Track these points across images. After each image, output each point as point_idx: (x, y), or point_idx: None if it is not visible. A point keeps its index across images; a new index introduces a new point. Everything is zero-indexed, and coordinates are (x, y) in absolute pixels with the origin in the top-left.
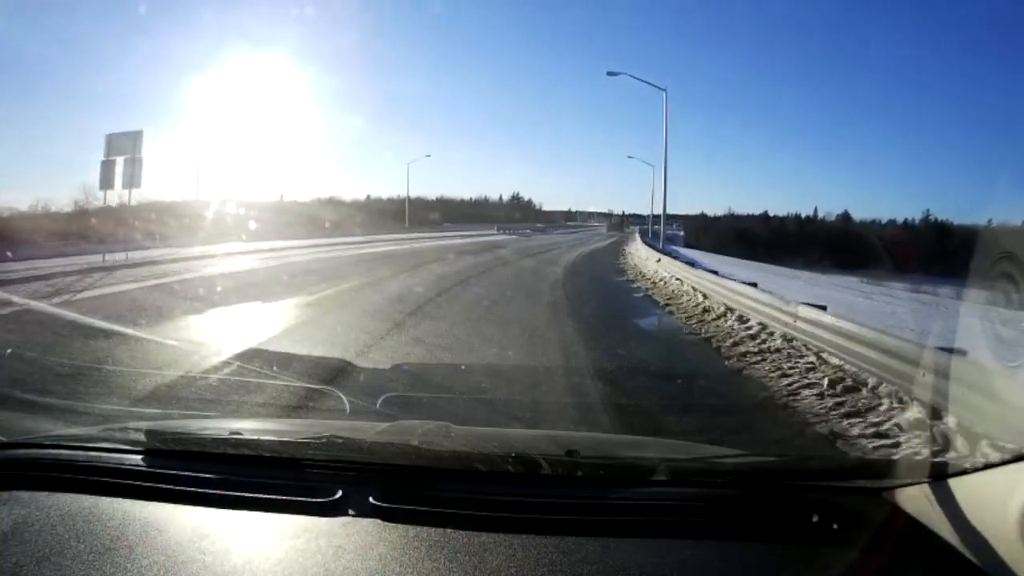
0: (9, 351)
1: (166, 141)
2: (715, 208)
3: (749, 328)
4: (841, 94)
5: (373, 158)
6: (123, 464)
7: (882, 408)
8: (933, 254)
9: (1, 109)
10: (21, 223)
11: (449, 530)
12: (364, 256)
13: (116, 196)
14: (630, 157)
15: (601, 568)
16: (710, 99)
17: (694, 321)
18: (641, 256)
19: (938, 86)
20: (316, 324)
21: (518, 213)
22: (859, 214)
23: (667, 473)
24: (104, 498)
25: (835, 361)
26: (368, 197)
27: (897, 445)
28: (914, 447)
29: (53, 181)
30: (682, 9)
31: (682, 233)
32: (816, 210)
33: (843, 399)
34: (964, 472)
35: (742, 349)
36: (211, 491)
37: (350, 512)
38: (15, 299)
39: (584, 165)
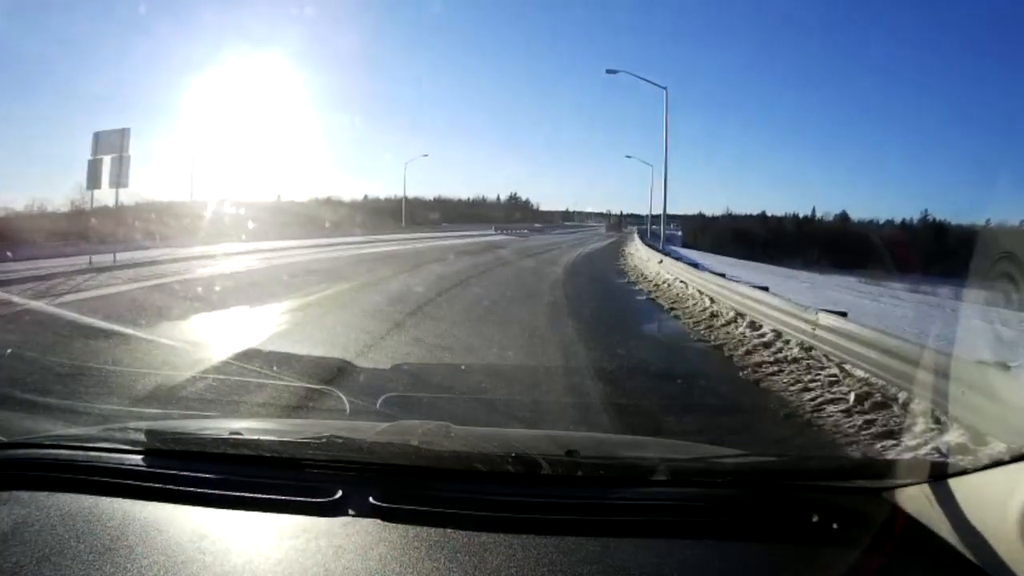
0: (9, 351)
1: (165, 141)
2: (713, 208)
3: (762, 335)
4: (839, 94)
5: (371, 158)
6: (123, 464)
7: (917, 429)
8: (931, 254)
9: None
10: (17, 223)
11: (449, 530)
12: (363, 257)
13: (112, 196)
14: (628, 157)
15: (601, 568)
16: (708, 99)
17: (702, 327)
18: (642, 257)
19: (937, 86)
20: (316, 324)
21: (517, 213)
22: (857, 214)
23: (667, 473)
24: (104, 498)
25: (860, 373)
26: (366, 197)
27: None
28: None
29: (53, 181)
30: (681, 9)
31: (680, 233)
32: (814, 210)
33: (873, 417)
34: (964, 472)
35: (756, 358)
36: (211, 491)
37: (350, 512)
38: (15, 299)
39: (582, 165)
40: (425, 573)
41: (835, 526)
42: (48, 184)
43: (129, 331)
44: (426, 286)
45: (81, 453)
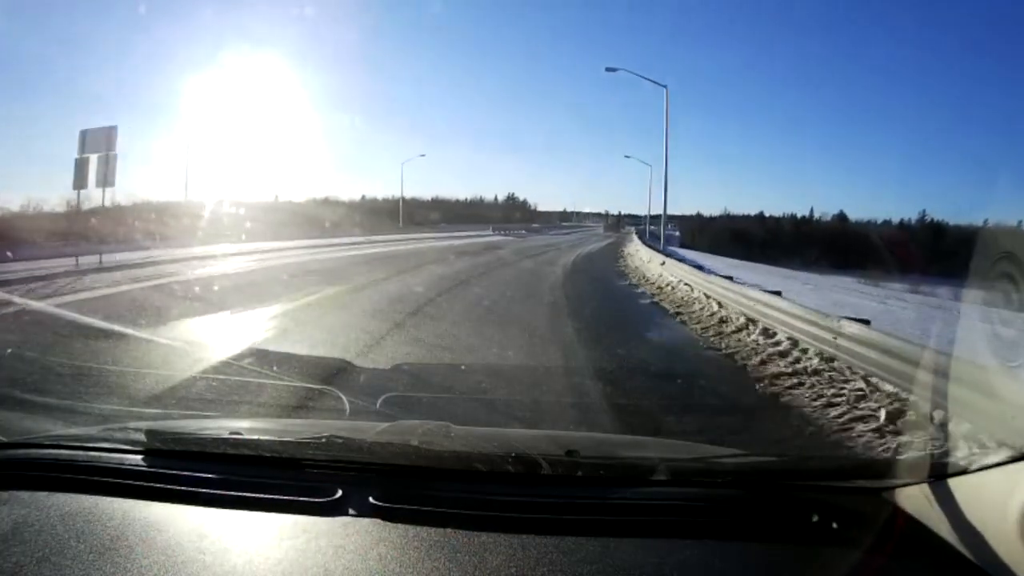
0: (9, 351)
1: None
2: (711, 208)
3: (777, 344)
4: (836, 94)
5: (368, 158)
6: (123, 464)
7: (959, 454)
8: (929, 254)
9: None
10: (12, 223)
11: (449, 530)
12: (355, 259)
13: (107, 196)
14: (627, 156)
15: (601, 568)
16: (705, 100)
17: (711, 333)
18: (643, 258)
19: (935, 86)
20: (315, 325)
21: (516, 213)
22: (855, 214)
23: (667, 473)
24: (104, 498)
25: (889, 388)
26: (363, 198)
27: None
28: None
29: (52, 181)
30: (678, 9)
31: (677, 233)
32: (812, 210)
33: (908, 439)
34: (964, 472)
35: (772, 369)
36: (211, 491)
37: (350, 512)
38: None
39: (579, 165)
40: (425, 573)
41: (835, 526)
42: (47, 184)
43: (128, 331)
44: (426, 286)
45: (81, 453)
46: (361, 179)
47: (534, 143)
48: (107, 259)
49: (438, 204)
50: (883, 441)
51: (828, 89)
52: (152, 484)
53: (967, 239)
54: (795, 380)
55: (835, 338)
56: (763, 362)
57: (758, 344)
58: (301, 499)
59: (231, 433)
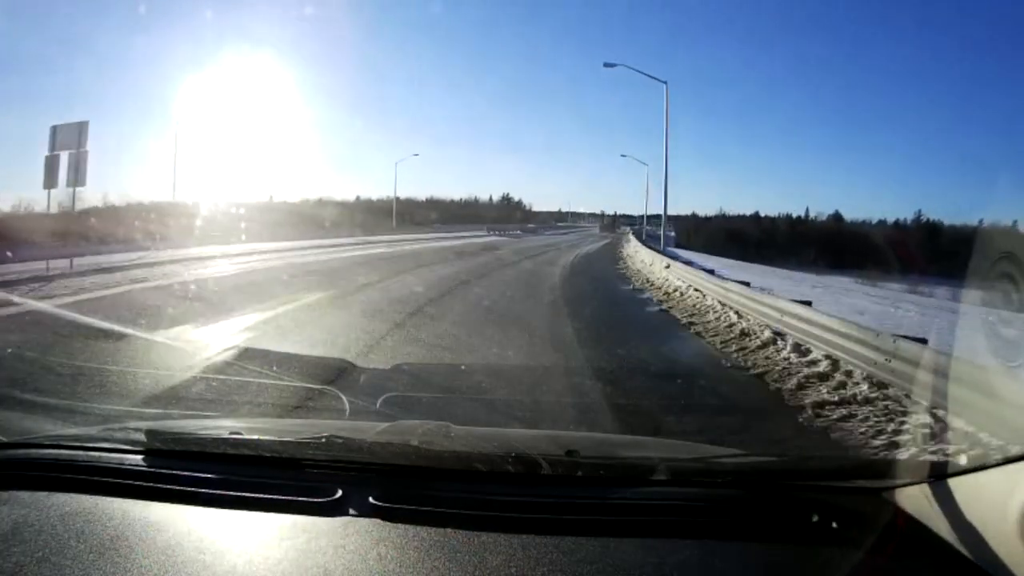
0: (9, 351)
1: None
2: (706, 208)
3: (814, 364)
4: (833, 94)
5: (364, 158)
6: (123, 464)
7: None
8: (926, 254)
9: None
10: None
11: (449, 530)
12: (342, 262)
13: (98, 197)
14: (623, 156)
15: (601, 568)
16: (701, 100)
17: (732, 348)
18: (644, 260)
19: (934, 87)
20: (316, 324)
21: (511, 213)
22: (850, 214)
23: (667, 473)
24: (104, 498)
25: (960, 424)
26: (358, 198)
27: None
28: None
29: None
30: (675, 8)
31: (673, 233)
32: (807, 210)
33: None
34: (964, 472)
35: (814, 396)
36: (211, 491)
37: (350, 512)
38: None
39: (575, 166)
40: (425, 573)
41: (835, 526)
42: (37, 185)
43: (128, 331)
44: (425, 286)
45: (81, 453)
46: (356, 179)
47: (530, 143)
48: (105, 260)
49: (433, 204)
50: None
51: (824, 89)
52: (152, 484)
53: (963, 239)
54: (844, 410)
55: (888, 360)
56: (800, 386)
57: (791, 363)
58: (301, 499)
59: (231, 433)
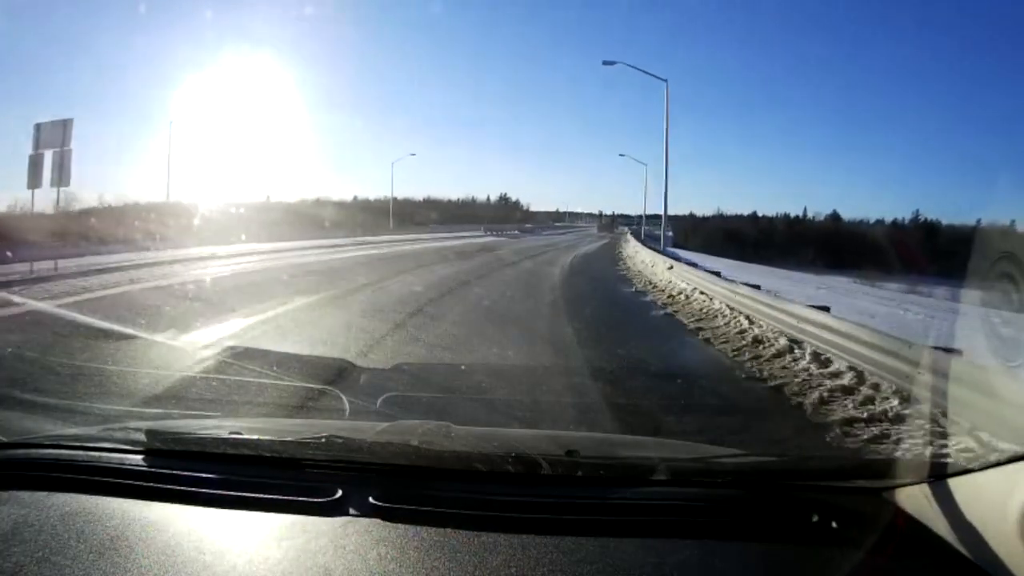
0: (9, 351)
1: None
2: (703, 208)
3: (837, 376)
4: (831, 94)
5: (361, 158)
6: (123, 464)
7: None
8: (926, 254)
9: None
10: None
11: (449, 530)
12: (332, 264)
13: (94, 196)
14: (622, 155)
15: (601, 568)
16: (699, 100)
17: (746, 357)
18: (644, 260)
19: (932, 87)
20: (316, 324)
21: (517, 213)
22: (848, 214)
23: (667, 473)
24: (104, 498)
25: (1006, 447)
26: (355, 198)
27: None
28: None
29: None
30: (673, 8)
31: (670, 233)
32: (805, 210)
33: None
34: (964, 472)
35: (840, 412)
36: (211, 491)
37: (350, 512)
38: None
39: (572, 166)
40: (425, 573)
41: (835, 526)
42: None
43: (128, 330)
44: (425, 286)
45: (81, 453)
46: (353, 179)
47: (528, 143)
48: (104, 261)
49: (431, 204)
50: None
51: (823, 89)
52: (152, 484)
53: (960, 239)
54: (875, 429)
55: (918, 372)
56: (823, 400)
57: (811, 375)
58: (301, 499)
59: (231, 433)
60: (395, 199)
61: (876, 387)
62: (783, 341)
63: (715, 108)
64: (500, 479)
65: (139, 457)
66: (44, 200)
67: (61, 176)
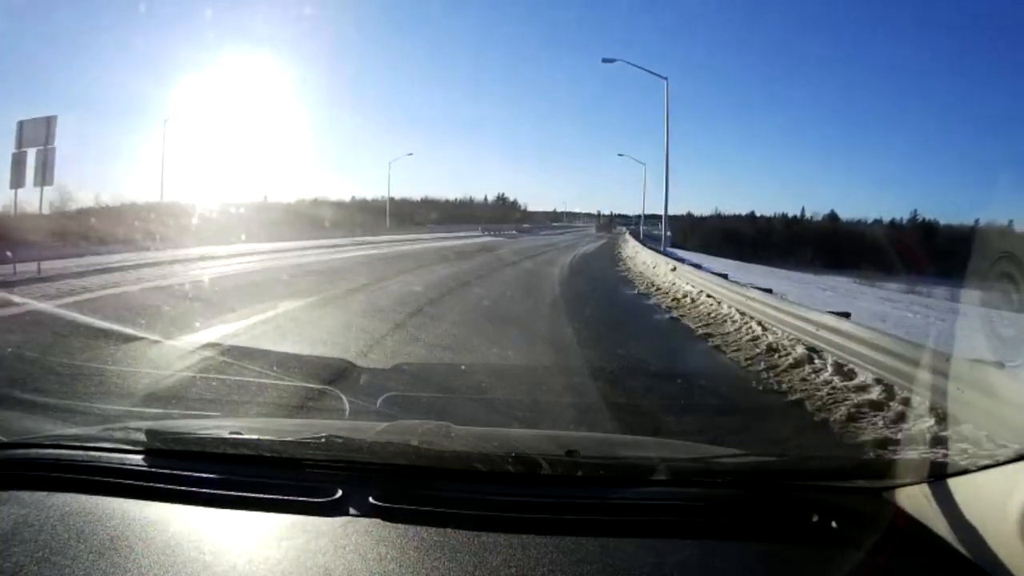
0: (9, 350)
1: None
2: (701, 208)
3: (863, 389)
4: (829, 94)
5: (359, 158)
6: (123, 464)
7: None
8: (925, 254)
9: None
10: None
11: (449, 530)
12: (323, 266)
13: (90, 196)
14: (620, 155)
15: (601, 568)
16: (697, 99)
17: (761, 366)
18: (645, 261)
19: (931, 87)
20: (316, 324)
21: (514, 213)
22: (846, 214)
23: (667, 473)
24: (104, 498)
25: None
26: (353, 198)
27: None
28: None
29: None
30: (673, 8)
31: (669, 233)
32: (803, 210)
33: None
34: (964, 472)
35: (871, 431)
36: (211, 491)
37: (350, 512)
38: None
39: (570, 166)
40: (425, 573)
41: (835, 526)
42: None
43: (127, 330)
44: (425, 286)
45: (81, 453)
46: (351, 179)
47: (526, 143)
48: (104, 261)
49: (428, 204)
50: None
51: (821, 89)
52: (152, 484)
53: (959, 239)
54: (912, 453)
55: (961, 390)
56: (851, 418)
57: (834, 387)
58: (301, 499)
59: (231, 433)
60: (393, 199)
61: (906, 402)
62: (800, 349)
63: (714, 108)
64: (500, 479)
65: (139, 457)
66: (36, 200)
67: (44, 175)
